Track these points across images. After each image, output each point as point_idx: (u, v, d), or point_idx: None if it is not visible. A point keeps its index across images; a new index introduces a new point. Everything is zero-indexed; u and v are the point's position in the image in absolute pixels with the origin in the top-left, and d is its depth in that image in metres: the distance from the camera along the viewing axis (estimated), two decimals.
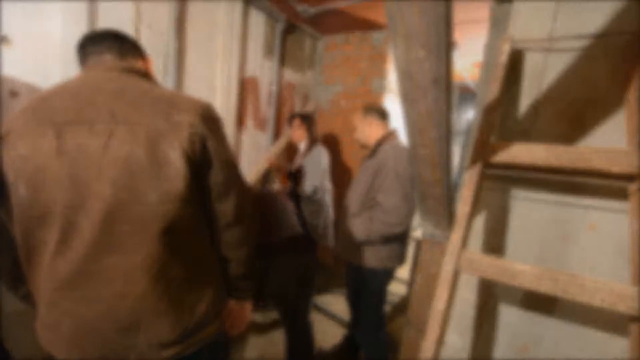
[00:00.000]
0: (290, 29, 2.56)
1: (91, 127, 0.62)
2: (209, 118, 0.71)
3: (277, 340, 1.93)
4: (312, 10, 2.42)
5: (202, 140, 0.68)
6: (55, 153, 0.61)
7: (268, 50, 2.45)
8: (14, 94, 1.20)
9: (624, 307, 0.69)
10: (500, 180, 1.02)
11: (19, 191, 0.62)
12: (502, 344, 1.03)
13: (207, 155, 0.69)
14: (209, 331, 0.74)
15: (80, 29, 1.36)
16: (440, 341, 0.86)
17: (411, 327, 1.26)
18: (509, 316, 1.02)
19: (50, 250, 0.63)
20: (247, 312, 0.91)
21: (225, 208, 0.74)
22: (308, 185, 2.02)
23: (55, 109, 0.63)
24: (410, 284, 1.32)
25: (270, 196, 1.60)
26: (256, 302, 1.52)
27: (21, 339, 1.16)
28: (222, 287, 0.81)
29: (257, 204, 1.50)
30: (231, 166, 0.75)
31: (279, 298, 1.50)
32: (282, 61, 2.58)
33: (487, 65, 1.06)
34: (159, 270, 0.65)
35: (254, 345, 1.90)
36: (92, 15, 1.42)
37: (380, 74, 2.61)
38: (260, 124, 2.50)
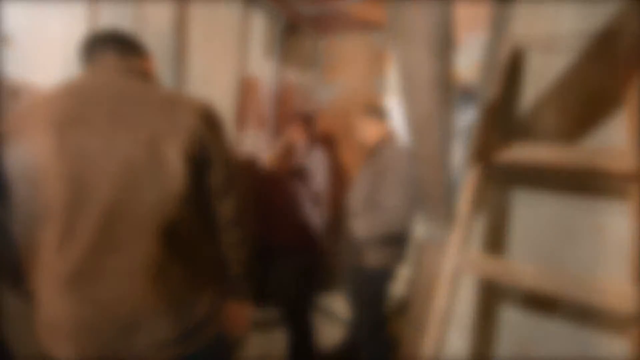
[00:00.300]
0: (290, 29, 2.55)
1: (92, 127, 0.62)
2: (209, 118, 0.71)
3: (279, 339, 1.93)
4: (312, 10, 2.42)
5: (202, 141, 0.68)
6: (55, 153, 0.61)
7: (268, 50, 2.45)
8: (14, 93, 1.20)
9: (624, 307, 0.69)
10: (501, 180, 1.02)
11: (19, 191, 0.62)
12: (503, 343, 1.03)
13: (207, 155, 0.69)
14: (209, 331, 0.74)
15: (80, 29, 1.36)
16: (440, 341, 0.86)
17: (411, 327, 1.26)
18: (509, 316, 1.02)
19: (51, 250, 0.63)
20: (247, 312, 0.91)
21: (226, 208, 0.75)
22: (320, 184, 2.01)
23: (56, 109, 0.63)
24: (410, 284, 1.32)
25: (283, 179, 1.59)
26: (257, 302, 1.52)
27: (21, 338, 1.16)
28: (222, 287, 0.81)
29: (267, 187, 1.49)
30: (231, 166, 0.75)
31: (279, 298, 1.50)
32: (282, 61, 2.58)
33: (487, 65, 1.06)
34: (159, 270, 0.65)
35: (255, 345, 1.90)
36: (92, 15, 1.42)
37: (380, 74, 2.61)
38: (260, 124, 2.49)
